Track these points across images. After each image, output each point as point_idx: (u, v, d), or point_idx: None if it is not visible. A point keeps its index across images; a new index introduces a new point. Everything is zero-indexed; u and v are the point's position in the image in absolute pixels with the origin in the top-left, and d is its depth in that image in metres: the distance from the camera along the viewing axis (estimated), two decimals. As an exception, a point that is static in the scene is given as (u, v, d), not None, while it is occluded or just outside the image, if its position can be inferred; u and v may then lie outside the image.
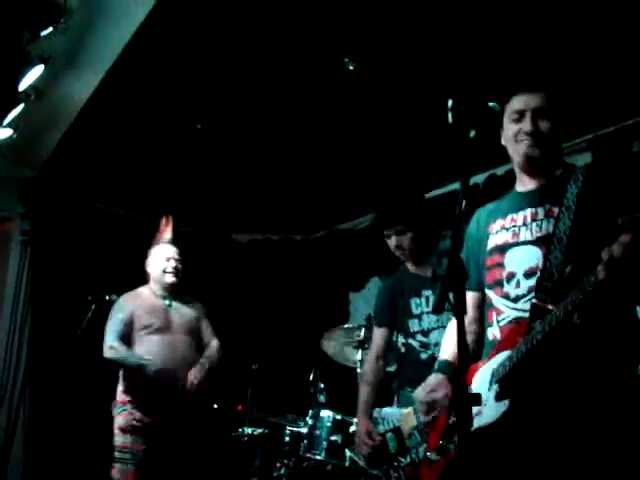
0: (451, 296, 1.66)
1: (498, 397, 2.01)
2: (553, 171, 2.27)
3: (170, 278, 4.47)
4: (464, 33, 3.83)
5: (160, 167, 5.66)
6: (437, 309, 1.65)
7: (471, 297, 2.42)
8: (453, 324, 2.50)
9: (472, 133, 1.93)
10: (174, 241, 4.70)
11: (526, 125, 2.22)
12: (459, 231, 1.75)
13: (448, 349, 2.45)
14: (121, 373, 4.31)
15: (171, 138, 5.18)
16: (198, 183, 5.94)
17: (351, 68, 4.19)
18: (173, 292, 4.52)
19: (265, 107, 4.76)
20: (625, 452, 1.95)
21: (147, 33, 3.84)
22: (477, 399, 1.67)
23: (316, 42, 4.01)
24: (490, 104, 2.07)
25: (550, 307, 1.97)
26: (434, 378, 2.35)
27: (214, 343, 4.59)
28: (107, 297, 4.69)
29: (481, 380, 2.14)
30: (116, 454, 4.11)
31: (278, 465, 4.48)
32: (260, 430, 4.80)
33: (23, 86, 3.92)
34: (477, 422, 1.97)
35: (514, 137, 2.25)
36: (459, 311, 1.65)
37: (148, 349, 4.23)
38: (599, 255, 1.78)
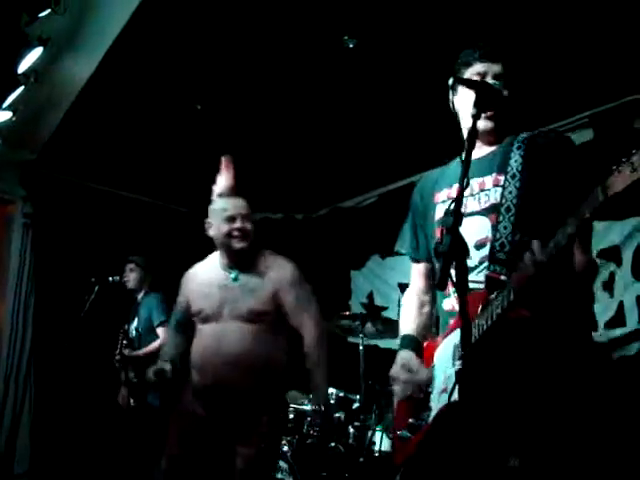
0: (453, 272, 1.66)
1: None
2: (501, 140, 2.22)
3: (238, 244, 3.40)
4: (463, 8, 3.82)
5: (160, 147, 5.66)
6: (440, 285, 1.65)
7: (422, 267, 2.45)
8: (408, 298, 2.50)
9: (473, 111, 1.93)
10: (238, 191, 3.63)
11: None
12: (460, 207, 1.74)
13: (408, 323, 2.41)
14: None
15: (171, 118, 5.17)
16: (198, 163, 5.93)
17: (351, 46, 4.18)
18: (243, 260, 3.46)
19: (266, 85, 4.75)
20: (584, 425, 1.96)
21: (145, 13, 3.83)
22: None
23: (315, 19, 4.00)
24: (491, 82, 2.07)
25: (503, 278, 1.97)
26: (407, 354, 2.27)
27: (310, 327, 3.50)
28: (110, 279, 4.71)
29: (444, 355, 2.11)
30: None
31: (282, 442, 4.53)
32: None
33: (22, 68, 3.91)
34: (447, 399, 1.94)
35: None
36: (461, 287, 1.66)
37: (196, 343, 3.38)
38: (548, 223, 1.79)
